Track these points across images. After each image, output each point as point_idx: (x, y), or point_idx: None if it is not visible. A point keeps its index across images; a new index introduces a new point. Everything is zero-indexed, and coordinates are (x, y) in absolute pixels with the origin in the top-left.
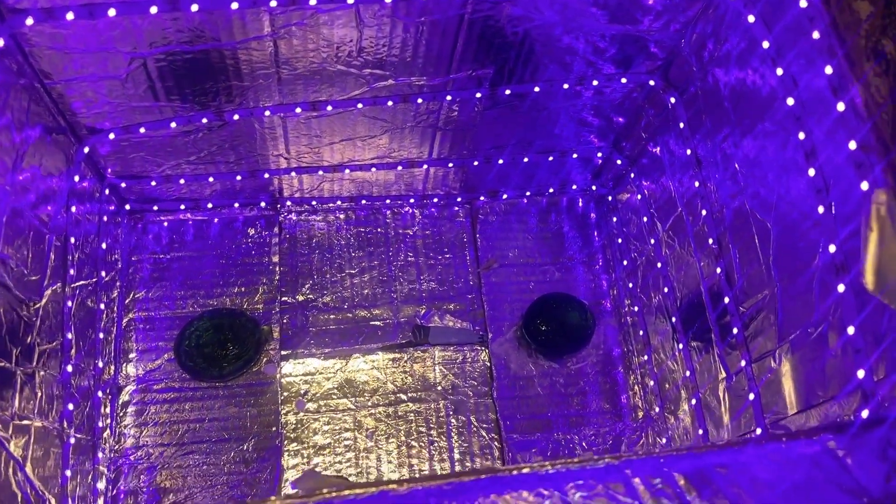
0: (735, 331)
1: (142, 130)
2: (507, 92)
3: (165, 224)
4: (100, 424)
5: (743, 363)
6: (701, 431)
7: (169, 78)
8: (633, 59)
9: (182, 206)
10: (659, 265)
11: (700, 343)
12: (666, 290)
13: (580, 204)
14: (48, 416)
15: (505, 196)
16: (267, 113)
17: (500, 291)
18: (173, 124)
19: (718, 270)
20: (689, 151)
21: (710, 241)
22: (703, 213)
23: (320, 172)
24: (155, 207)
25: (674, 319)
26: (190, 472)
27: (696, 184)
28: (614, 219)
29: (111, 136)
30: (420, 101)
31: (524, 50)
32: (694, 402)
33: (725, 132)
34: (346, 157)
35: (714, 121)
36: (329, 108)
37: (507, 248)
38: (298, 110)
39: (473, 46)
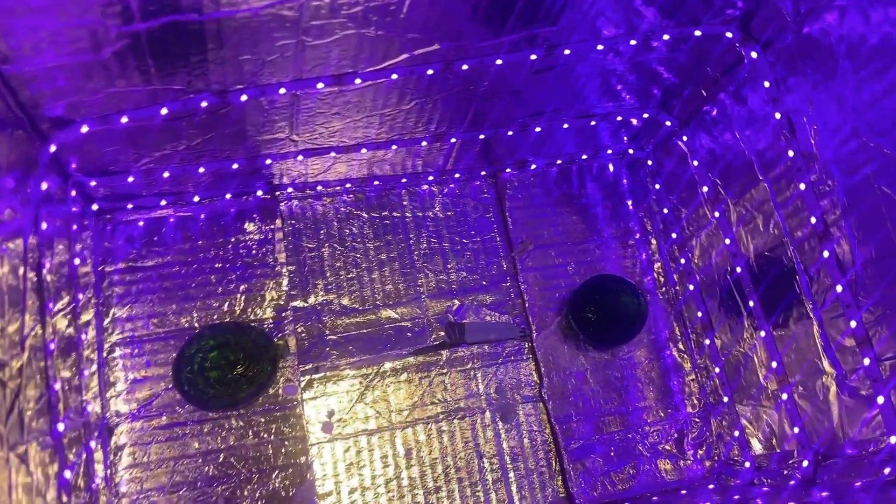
0: (853, 324)
1: (123, 120)
2: (567, 52)
3: (141, 224)
4: (97, 481)
5: (867, 361)
6: (797, 430)
7: (166, 55)
8: (707, 9)
9: (163, 202)
10: (728, 241)
11: (787, 330)
12: (739, 269)
13: (611, 169)
14: (45, 497)
15: (533, 166)
16: (282, 90)
17: (538, 277)
18: (164, 110)
19: (826, 254)
20: (777, 115)
21: (813, 219)
22: (802, 186)
23: (332, 154)
24: (130, 205)
25: (751, 303)
26: None
27: (791, 153)
28: (657, 185)
29: (84, 128)
30: (465, 66)
31: (597, 3)
32: (785, 396)
33: (845, 90)
34: (365, 134)
35: (822, 76)
36: (357, 80)
37: (540, 226)
38: (321, 85)
39: (540, 1)
